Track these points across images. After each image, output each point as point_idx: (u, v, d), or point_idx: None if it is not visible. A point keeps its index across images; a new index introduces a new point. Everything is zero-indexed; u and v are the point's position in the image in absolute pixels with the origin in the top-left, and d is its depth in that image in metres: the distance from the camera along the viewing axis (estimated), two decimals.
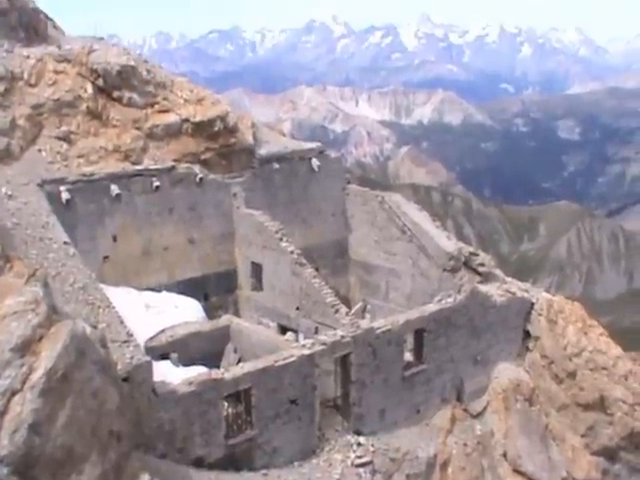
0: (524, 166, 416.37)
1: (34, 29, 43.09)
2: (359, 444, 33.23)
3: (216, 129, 41.77)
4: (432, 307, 37.03)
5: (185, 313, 37.32)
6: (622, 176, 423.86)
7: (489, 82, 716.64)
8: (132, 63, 40.86)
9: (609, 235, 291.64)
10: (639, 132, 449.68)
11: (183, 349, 34.73)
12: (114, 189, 37.57)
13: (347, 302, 44.11)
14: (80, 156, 38.58)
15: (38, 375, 19.45)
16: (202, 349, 35.58)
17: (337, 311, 35.83)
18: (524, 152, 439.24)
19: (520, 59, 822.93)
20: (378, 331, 33.82)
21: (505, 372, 40.55)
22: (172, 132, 41.13)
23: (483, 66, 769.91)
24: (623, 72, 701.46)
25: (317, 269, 40.48)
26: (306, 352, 31.08)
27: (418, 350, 36.66)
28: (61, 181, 36.06)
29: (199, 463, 28.19)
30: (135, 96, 40.79)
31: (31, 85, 38.83)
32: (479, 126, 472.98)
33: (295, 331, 38.73)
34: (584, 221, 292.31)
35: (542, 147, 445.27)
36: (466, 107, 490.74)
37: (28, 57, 39.61)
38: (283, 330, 39.60)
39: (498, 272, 43.39)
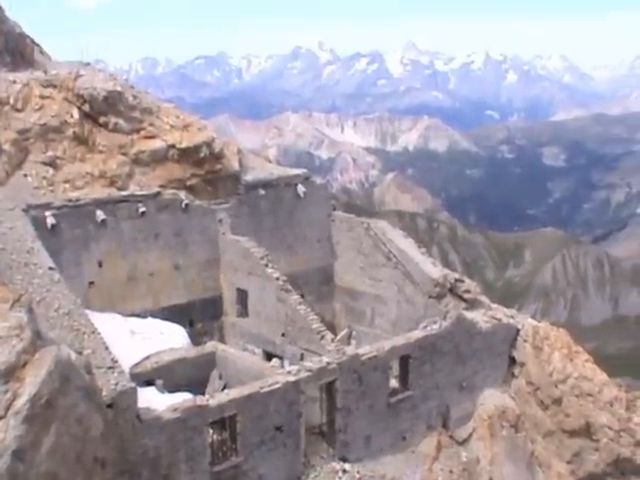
0: (509, 193, 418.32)
1: (20, 54, 43.18)
2: (344, 471, 33.09)
3: (202, 155, 41.78)
4: (418, 333, 37.00)
5: (170, 339, 37.17)
6: (607, 202, 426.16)
7: (474, 109, 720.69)
8: (118, 89, 40.88)
9: (594, 261, 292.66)
10: (624, 158, 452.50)
11: (168, 375, 34.57)
12: (100, 215, 37.43)
13: (333, 328, 44.09)
14: (66, 181, 38.53)
15: (22, 401, 19.37)
16: (187, 375, 35.42)
17: (323, 337, 35.71)
18: (509, 179, 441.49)
19: (505, 86, 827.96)
20: (364, 357, 33.78)
21: (491, 398, 40.55)
22: (158, 158, 41.12)
23: (468, 93, 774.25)
24: (608, 99, 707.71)
25: (303, 295, 40.35)
26: (291, 379, 31.00)
27: (404, 376, 36.62)
28: (47, 206, 35.91)
29: None
30: (121, 122, 40.80)
31: (17, 110, 38.83)
32: (464, 153, 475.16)
33: (281, 357, 38.61)
34: (569, 247, 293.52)
35: (527, 174, 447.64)
36: (451, 134, 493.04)
37: (14, 82, 39.63)
38: (268, 356, 39.48)
39: (483, 298, 43.46)
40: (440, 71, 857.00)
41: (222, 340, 41.65)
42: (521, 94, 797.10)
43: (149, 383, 33.55)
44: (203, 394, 31.83)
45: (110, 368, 26.36)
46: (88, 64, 45.72)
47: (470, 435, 39.39)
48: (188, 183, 41.66)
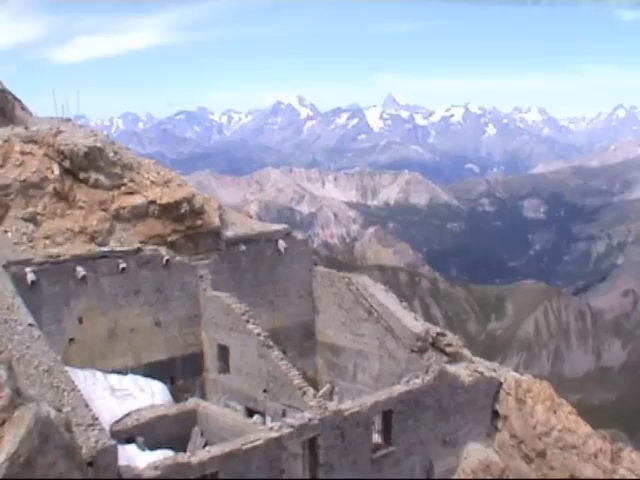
0: (490, 246, 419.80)
1: (1, 110, 43.31)
2: None
3: (183, 211, 41.72)
4: (400, 388, 36.85)
5: (151, 396, 36.96)
6: (587, 254, 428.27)
7: (454, 162, 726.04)
8: (99, 145, 40.87)
9: (576, 313, 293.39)
10: (603, 210, 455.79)
11: (149, 433, 34.32)
12: (80, 271, 37.28)
13: (314, 384, 43.81)
14: (46, 237, 38.43)
15: (0, 460, 19.11)
16: (168, 433, 35.18)
17: (304, 393, 35.51)
18: (490, 232, 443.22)
19: (485, 139, 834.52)
20: (346, 413, 33.58)
21: (474, 452, 40.29)
22: (139, 214, 41.06)
23: (448, 147, 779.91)
24: (586, 151, 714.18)
25: (284, 351, 40.15)
26: (273, 435, 30.77)
27: (386, 432, 36.38)
28: (27, 262, 35.78)
29: None
30: (102, 178, 40.76)
31: None
32: (445, 206, 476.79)
33: (262, 414, 38.34)
34: (551, 299, 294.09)
35: (508, 226, 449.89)
36: (432, 188, 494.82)
37: None
38: (250, 413, 39.20)
39: (466, 352, 43.31)
40: (420, 125, 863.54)
41: (203, 397, 41.33)
42: (501, 147, 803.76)
43: (130, 440, 33.28)
44: (184, 451, 31.63)
45: (90, 426, 26.15)
46: (69, 120, 45.79)
47: None
48: (169, 239, 41.57)
